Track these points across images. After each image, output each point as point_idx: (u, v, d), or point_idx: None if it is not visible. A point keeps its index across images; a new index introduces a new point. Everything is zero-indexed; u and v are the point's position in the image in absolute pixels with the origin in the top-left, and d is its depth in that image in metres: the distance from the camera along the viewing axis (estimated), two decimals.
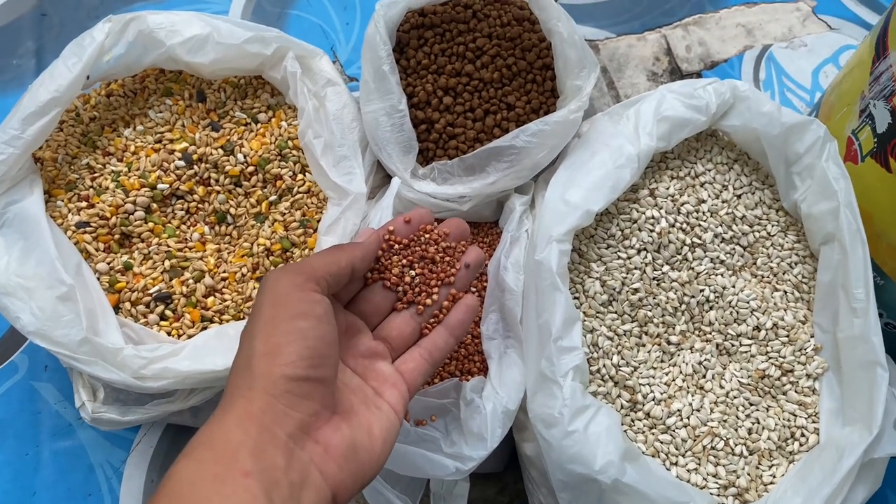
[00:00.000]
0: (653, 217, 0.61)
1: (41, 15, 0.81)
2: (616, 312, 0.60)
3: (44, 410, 0.65)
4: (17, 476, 0.63)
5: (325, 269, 0.42)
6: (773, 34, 0.91)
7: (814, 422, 0.59)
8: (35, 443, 0.64)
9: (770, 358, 0.60)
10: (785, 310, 0.62)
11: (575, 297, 0.60)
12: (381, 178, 0.66)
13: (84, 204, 0.60)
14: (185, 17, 0.60)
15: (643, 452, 0.57)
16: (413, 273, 0.49)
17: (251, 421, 0.36)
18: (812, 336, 0.61)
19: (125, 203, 0.59)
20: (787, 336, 0.61)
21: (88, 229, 0.58)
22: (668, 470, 0.56)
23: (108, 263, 0.58)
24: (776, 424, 0.58)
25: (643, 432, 0.57)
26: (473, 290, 0.62)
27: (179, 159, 0.61)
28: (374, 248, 0.47)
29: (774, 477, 0.57)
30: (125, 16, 0.60)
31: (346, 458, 0.39)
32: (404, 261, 0.49)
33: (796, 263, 0.63)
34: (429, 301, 0.49)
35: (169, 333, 0.57)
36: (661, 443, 0.57)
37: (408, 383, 0.46)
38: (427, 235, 0.50)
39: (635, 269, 0.60)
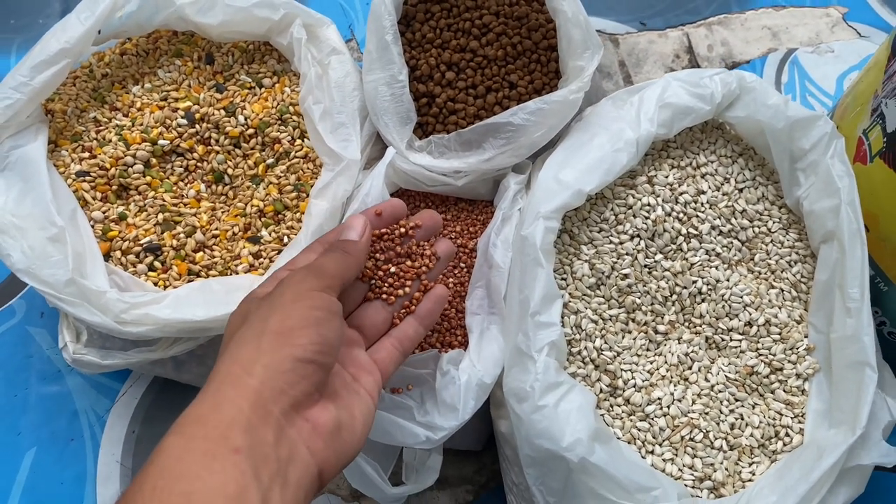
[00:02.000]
0: (649, 204, 0.60)
1: None
2: (603, 297, 0.59)
3: (35, 355, 0.66)
4: (5, 415, 0.64)
5: (340, 277, 0.44)
6: (800, 38, 0.89)
7: (800, 422, 0.57)
8: (25, 385, 0.65)
9: (760, 355, 0.59)
10: (780, 307, 0.60)
11: (562, 278, 0.59)
12: (380, 149, 0.66)
13: (87, 154, 0.61)
14: None
15: (619, 438, 0.56)
16: (392, 269, 0.50)
17: (246, 395, 0.36)
18: (806, 336, 0.60)
19: (125, 155, 0.60)
20: (780, 334, 0.59)
21: (88, 178, 0.60)
22: (644, 458, 0.55)
23: (104, 212, 0.59)
24: (760, 422, 0.57)
25: (621, 418, 0.56)
26: (463, 265, 0.62)
27: (182, 117, 0.62)
28: (368, 250, 0.48)
29: (754, 474, 0.56)
30: None
31: (333, 436, 0.40)
32: (377, 255, 0.50)
33: (796, 262, 0.62)
34: (400, 292, 0.50)
35: (155, 284, 0.58)
36: (639, 430, 0.56)
37: (381, 371, 0.47)
38: (401, 229, 0.51)
39: (626, 254, 0.59)
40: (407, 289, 0.50)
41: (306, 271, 0.43)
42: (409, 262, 0.51)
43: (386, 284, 0.50)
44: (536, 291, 0.53)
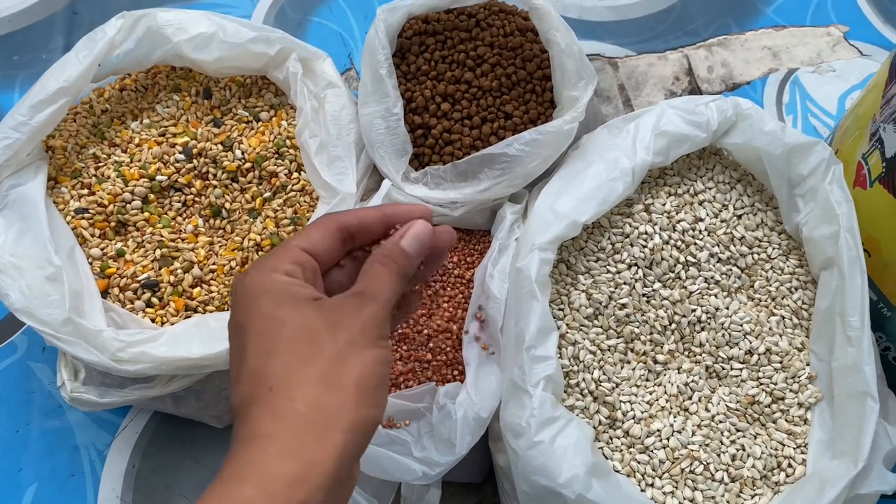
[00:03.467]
0: (646, 232, 0.60)
1: (73, 13, 0.84)
2: (601, 327, 0.59)
3: (37, 390, 0.67)
4: (6, 451, 0.65)
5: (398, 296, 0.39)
6: (801, 58, 0.89)
7: (802, 452, 0.57)
8: (26, 420, 0.66)
9: (761, 384, 0.58)
10: (780, 335, 0.59)
11: (560, 309, 0.59)
12: (377, 180, 0.66)
13: (86, 191, 0.62)
14: (193, 15, 0.62)
15: (618, 471, 0.55)
16: None
17: (331, 462, 0.32)
18: (808, 364, 0.59)
19: (123, 192, 0.61)
20: (781, 362, 0.59)
21: (86, 215, 0.60)
22: (643, 491, 0.55)
23: (102, 249, 0.60)
24: (762, 453, 0.56)
25: (620, 450, 0.56)
26: (460, 296, 0.62)
27: (180, 153, 0.63)
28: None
29: None
30: (137, 12, 0.62)
31: (350, 493, 0.36)
32: None
33: (797, 289, 0.61)
34: None
35: (153, 320, 0.58)
36: (638, 462, 0.55)
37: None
38: None
39: (624, 284, 0.59)
40: None
41: (384, 312, 0.36)
42: None
43: None
44: (531, 324, 0.53)
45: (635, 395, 0.57)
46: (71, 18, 0.85)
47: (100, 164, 0.63)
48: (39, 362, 0.68)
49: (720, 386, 0.59)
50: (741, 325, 0.59)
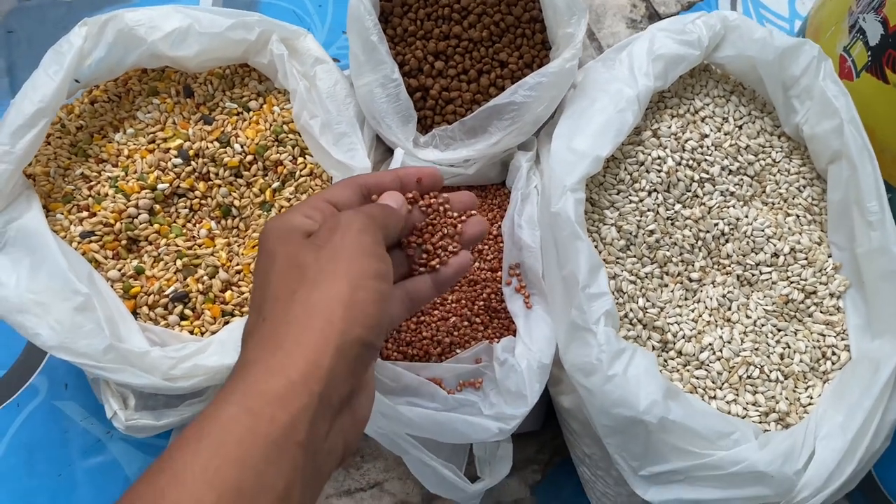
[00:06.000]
0: (659, 157, 0.61)
1: (7, 32, 0.78)
2: (635, 256, 0.60)
3: (71, 429, 0.63)
4: (55, 498, 0.62)
5: (389, 228, 0.41)
6: None
7: (843, 339, 0.59)
8: (67, 462, 0.63)
9: (792, 282, 0.61)
10: (800, 233, 0.62)
11: (594, 246, 0.59)
12: (383, 152, 0.65)
13: (85, 214, 0.58)
14: (164, 11, 0.59)
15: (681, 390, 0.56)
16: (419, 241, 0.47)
17: (317, 380, 0.33)
18: (830, 255, 0.61)
19: (127, 207, 0.58)
20: (806, 259, 0.61)
21: (94, 238, 0.57)
22: (708, 404, 0.56)
23: (119, 270, 0.57)
24: (807, 347, 0.58)
25: (678, 370, 0.57)
26: (490, 254, 0.61)
27: (176, 157, 0.60)
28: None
29: (812, 398, 0.57)
30: (101, 17, 0.58)
31: (363, 424, 0.38)
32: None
33: (805, 186, 0.63)
34: (428, 247, 0.47)
35: (191, 332, 0.55)
36: (697, 378, 0.57)
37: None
38: (431, 200, 0.47)
39: (648, 210, 0.60)
40: (429, 246, 0.47)
41: (362, 214, 0.39)
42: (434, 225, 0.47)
43: (412, 243, 0.47)
44: (581, 264, 0.53)
45: (680, 316, 0.59)
46: (7, 38, 0.79)
47: (92, 183, 0.60)
48: (65, 400, 0.64)
49: (754, 292, 0.61)
50: (763, 230, 0.61)
